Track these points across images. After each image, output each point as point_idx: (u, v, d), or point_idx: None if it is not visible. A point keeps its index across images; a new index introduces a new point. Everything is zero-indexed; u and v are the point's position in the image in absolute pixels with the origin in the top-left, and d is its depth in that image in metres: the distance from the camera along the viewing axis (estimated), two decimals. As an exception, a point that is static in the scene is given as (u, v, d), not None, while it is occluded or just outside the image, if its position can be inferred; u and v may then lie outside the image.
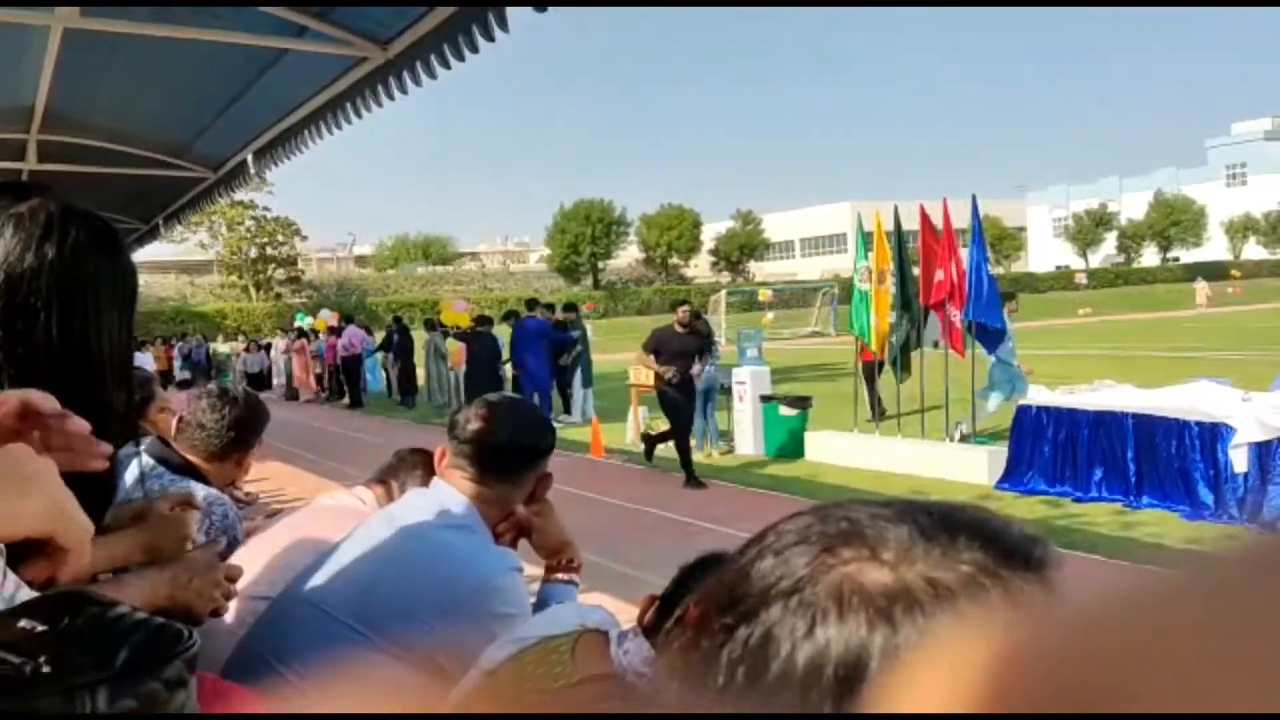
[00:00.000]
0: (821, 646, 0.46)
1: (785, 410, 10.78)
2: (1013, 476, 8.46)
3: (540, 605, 1.81)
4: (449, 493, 1.80)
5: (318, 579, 1.74)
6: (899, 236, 10.04)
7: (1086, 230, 72.14)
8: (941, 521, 0.50)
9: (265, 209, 50.22)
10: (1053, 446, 8.23)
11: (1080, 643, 0.28)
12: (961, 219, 9.79)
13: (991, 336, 9.70)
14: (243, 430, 2.43)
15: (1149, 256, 71.96)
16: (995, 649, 0.31)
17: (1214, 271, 59.09)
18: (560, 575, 1.94)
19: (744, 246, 64.26)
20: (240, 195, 36.85)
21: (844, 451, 10.19)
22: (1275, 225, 71.49)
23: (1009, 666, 0.30)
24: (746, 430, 11.09)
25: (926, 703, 0.32)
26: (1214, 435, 7.13)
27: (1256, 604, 0.25)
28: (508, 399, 1.91)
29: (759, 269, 67.83)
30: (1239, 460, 6.95)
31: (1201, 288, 46.87)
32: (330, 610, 1.66)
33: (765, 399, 10.96)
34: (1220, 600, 0.26)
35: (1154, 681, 0.25)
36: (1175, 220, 70.86)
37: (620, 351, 21.92)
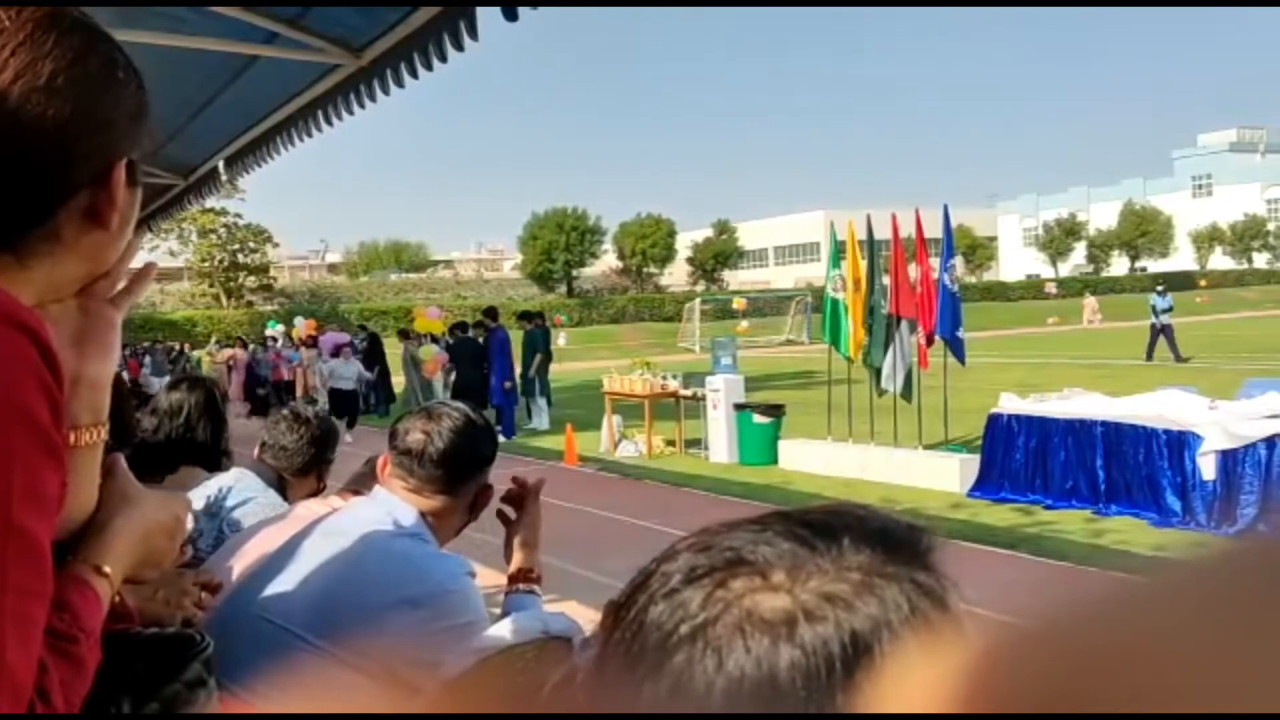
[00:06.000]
0: (735, 679, 0.46)
1: (758, 418, 10.81)
2: (984, 484, 8.52)
3: (504, 616, 1.80)
4: (394, 501, 1.78)
5: (262, 590, 1.69)
6: (871, 246, 10.11)
7: (1056, 240, 72.92)
8: (824, 530, 0.50)
9: (237, 215, 49.84)
10: (1024, 454, 8.30)
11: (1068, 645, 0.28)
12: (934, 228, 9.87)
13: (956, 346, 9.76)
14: (320, 448, 2.71)
15: (1118, 266, 72.80)
16: (980, 653, 0.31)
17: (1181, 281, 59.87)
18: (521, 586, 1.92)
19: (719, 255, 64.38)
20: (211, 202, 36.62)
21: (817, 459, 10.24)
22: (1241, 235, 72.55)
23: (996, 669, 0.30)
24: (720, 438, 11.12)
25: (916, 703, 0.32)
26: (1181, 443, 7.21)
27: (1240, 606, 0.25)
28: (450, 408, 1.87)
29: (733, 277, 68.02)
30: (1206, 468, 7.03)
31: (1089, 303, 45.36)
32: (279, 621, 1.61)
33: (739, 407, 10.99)
34: (1205, 602, 0.26)
35: (1141, 683, 0.25)
36: (1143, 230, 71.76)
37: (594, 360, 21.93)
